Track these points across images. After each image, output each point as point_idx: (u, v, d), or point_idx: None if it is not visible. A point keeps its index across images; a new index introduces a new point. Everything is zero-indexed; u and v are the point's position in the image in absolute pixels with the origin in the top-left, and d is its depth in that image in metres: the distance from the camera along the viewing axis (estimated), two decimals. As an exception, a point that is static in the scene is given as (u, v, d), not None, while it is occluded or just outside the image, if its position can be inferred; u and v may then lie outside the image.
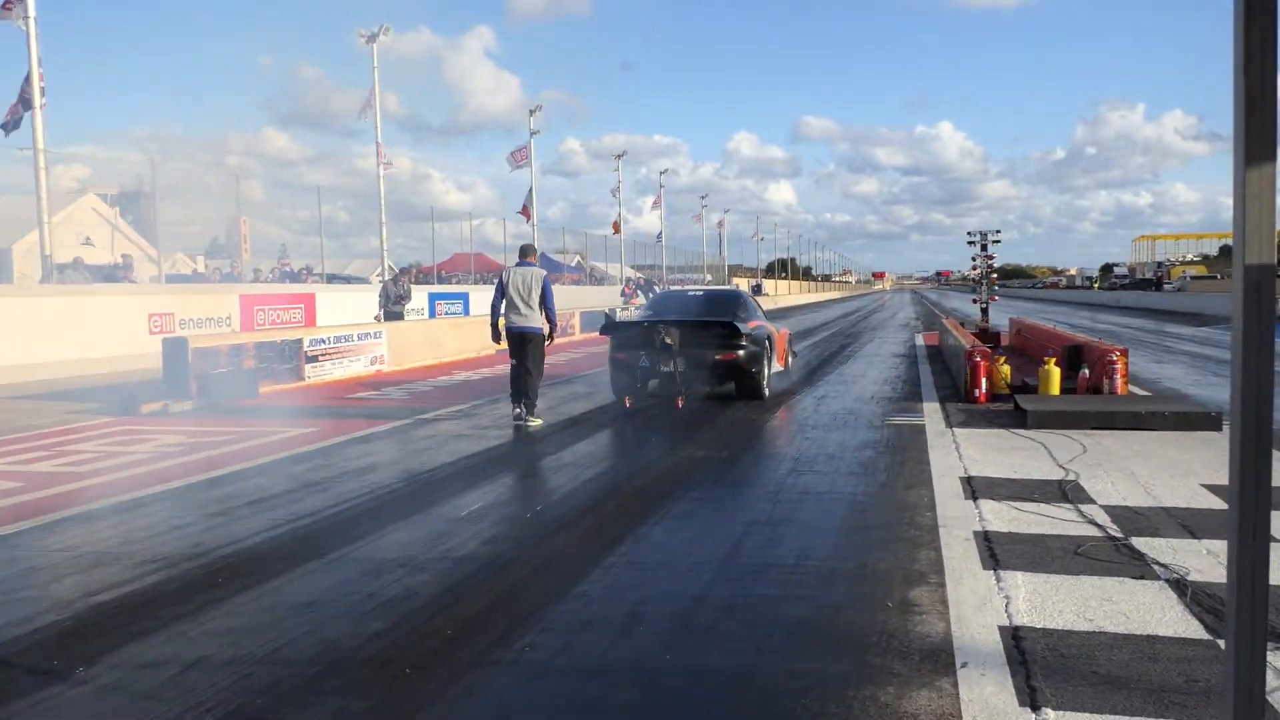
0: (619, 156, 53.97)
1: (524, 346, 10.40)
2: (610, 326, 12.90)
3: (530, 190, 40.19)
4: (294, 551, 5.54)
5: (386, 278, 20.88)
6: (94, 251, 23.87)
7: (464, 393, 13.80)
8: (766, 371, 12.44)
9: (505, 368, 11.64)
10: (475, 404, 12.45)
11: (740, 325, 11.87)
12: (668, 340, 11.36)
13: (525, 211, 40.25)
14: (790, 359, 15.46)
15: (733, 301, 13.49)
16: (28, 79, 17.83)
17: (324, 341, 15.53)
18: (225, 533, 5.97)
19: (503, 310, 10.56)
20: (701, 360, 11.69)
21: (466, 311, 30.11)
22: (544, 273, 10.69)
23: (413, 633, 4.23)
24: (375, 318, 20.17)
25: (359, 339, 16.49)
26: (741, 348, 11.82)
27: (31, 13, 17.72)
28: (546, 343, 10.62)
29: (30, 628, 4.32)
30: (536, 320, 10.40)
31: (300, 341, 14.98)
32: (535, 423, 10.27)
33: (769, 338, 12.91)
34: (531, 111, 40.21)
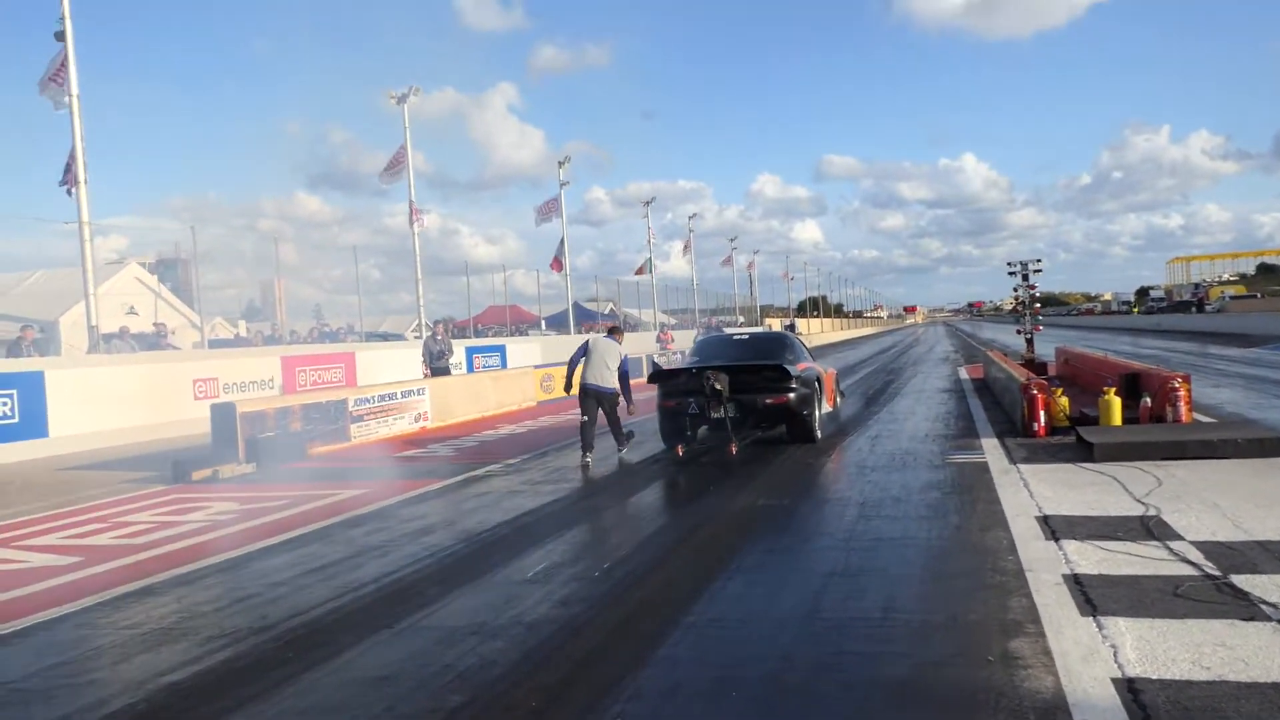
0: (648, 203, 54.19)
1: (600, 403, 11.81)
2: (658, 374, 12.64)
3: (562, 241, 40.36)
4: (361, 621, 5.41)
5: (425, 334, 20.87)
6: (138, 320, 24.12)
7: (512, 447, 13.69)
8: (817, 413, 12.28)
9: (548, 420, 13.61)
10: (525, 458, 12.32)
11: (789, 368, 11.77)
12: (717, 386, 11.14)
13: (556, 264, 40.39)
14: (839, 399, 15.08)
15: (780, 344, 13.35)
16: (72, 155, 18.10)
17: (369, 401, 15.51)
18: (289, 604, 5.85)
19: (582, 369, 12.04)
20: (752, 405, 11.50)
21: (504, 364, 30.11)
22: (625, 350, 12.25)
23: (494, 705, 4.07)
24: (424, 375, 20.19)
25: (402, 396, 16.46)
26: (792, 390, 11.63)
27: (74, 90, 18.04)
28: (621, 405, 11.92)
29: (104, 712, 4.21)
30: (612, 382, 11.85)
31: (345, 402, 14.97)
32: (624, 450, 11.94)
33: (818, 379, 12.73)
34: (560, 163, 40.46)
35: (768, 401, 11.52)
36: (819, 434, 12.16)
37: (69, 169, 18.12)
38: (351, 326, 28.30)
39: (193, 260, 22.54)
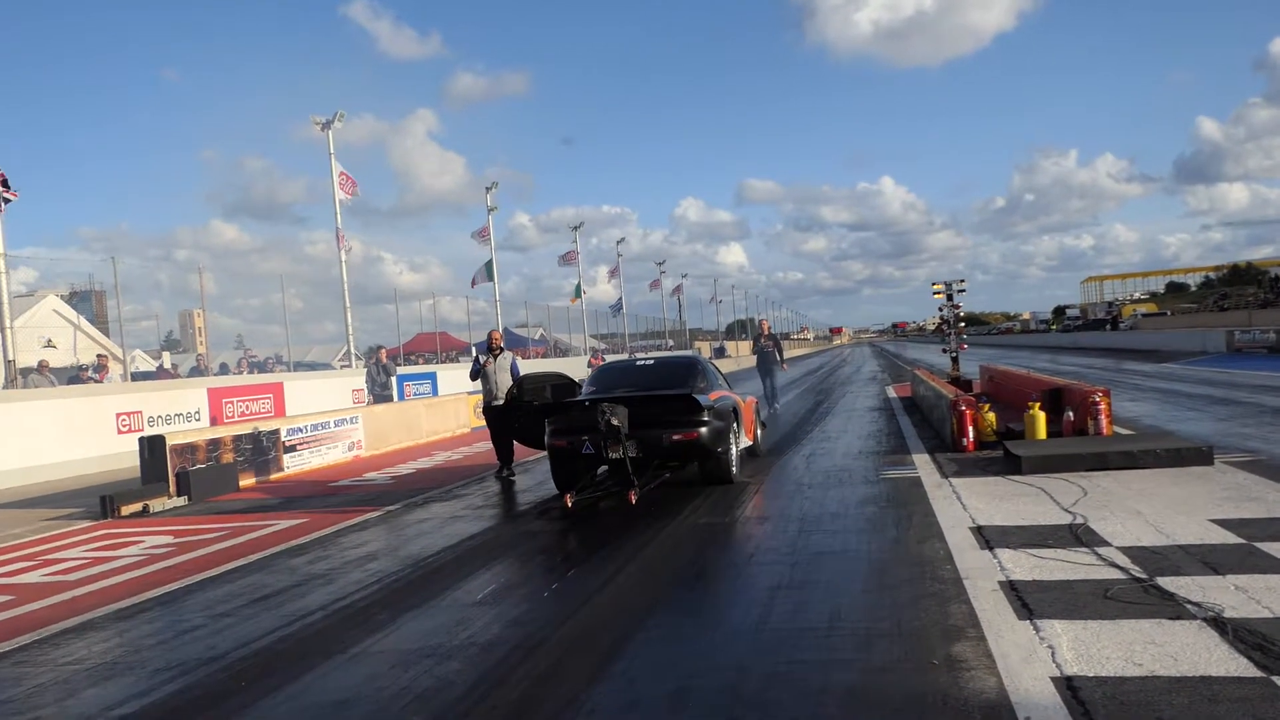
0: (576, 228, 54.28)
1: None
2: (546, 408, 10.75)
3: (489, 264, 40.27)
4: (313, 648, 5.39)
5: (370, 361, 20.93)
6: (57, 354, 23.51)
7: (450, 473, 13.64)
8: (734, 449, 10.77)
9: (483, 446, 13.35)
10: (463, 484, 12.30)
11: (699, 397, 10.20)
12: (614, 421, 9.48)
13: (474, 282, 40.35)
14: (760, 430, 13.46)
15: (689, 370, 11.55)
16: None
17: (301, 430, 15.32)
18: (237, 634, 5.80)
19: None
20: (656, 442, 9.86)
21: (435, 391, 29.89)
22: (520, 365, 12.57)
23: (456, 725, 4.10)
24: (369, 402, 20.33)
25: (335, 425, 16.29)
26: (703, 424, 9.99)
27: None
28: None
29: (54, 748, 4.14)
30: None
31: (278, 432, 14.76)
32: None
33: (734, 409, 11.14)
34: (488, 189, 40.46)
35: (674, 437, 9.88)
36: (736, 472, 10.68)
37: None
38: (279, 356, 27.91)
39: (113, 291, 22.03)
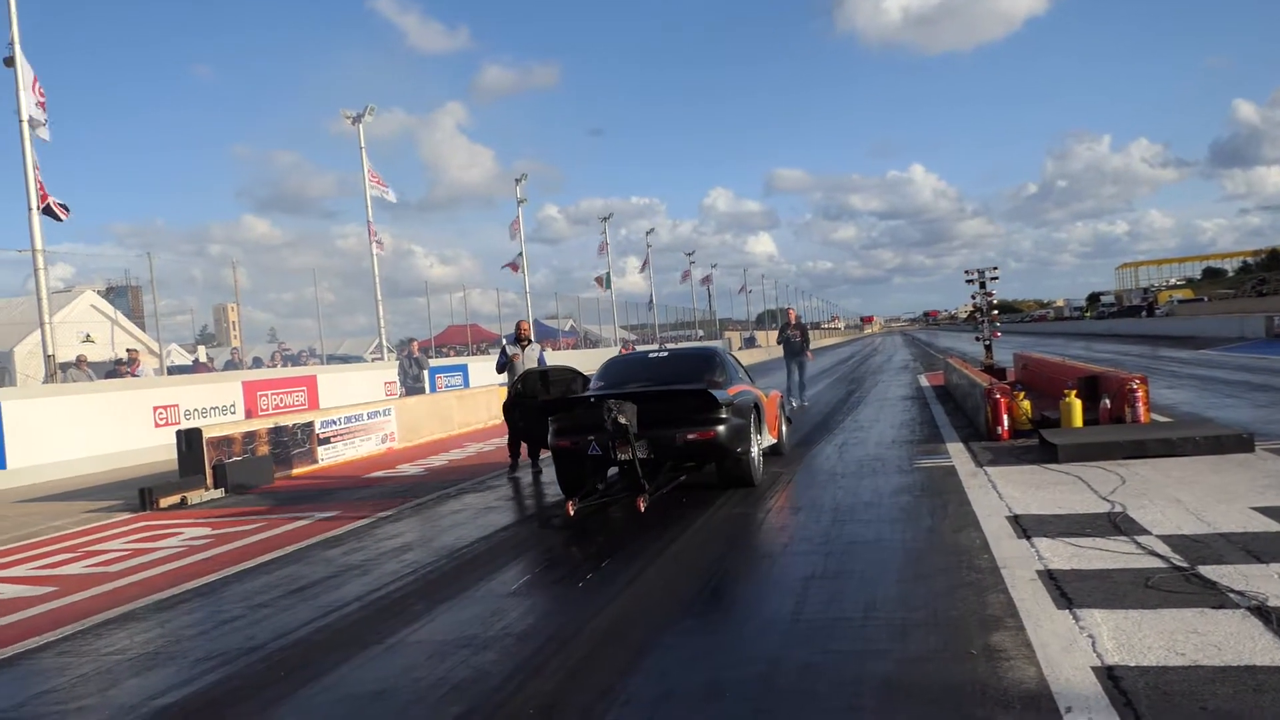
0: (605, 219, 54.32)
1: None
2: (550, 404, 9.88)
3: (520, 254, 40.52)
4: (350, 639, 5.43)
5: (402, 354, 21.06)
6: (95, 348, 23.83)
7: (483, 464, 13.69)
8: (755, 449, 9.90)
9: None
10: (496, 475, 12.34)
11: (716, 393, 9.22)
12: (621, 420, 8.65)
13: (514, 265, 40.61)
14: (785, 427, 12.48)
15: (705, 363, 10.71)
16: (27, 181, 17.87)
17: (335, 423, 15.44)
18: (275, 624, 5.85)
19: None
20: (669, 442, 9.04)
21: (466, 383, 30.05)
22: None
23: (494, 716, 4.12)
24: (401, 394, 20.50)
25: (369, 417, 16.40)
26: (720, 422, 9.15)
27: (24, 115, 17.82)
28: None
29: (98, 737, 4.20)
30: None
31: (312, 424, 14.89)
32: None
33: (756, 405, 10.31)
34: (517, 180, 40.62)
35: (689, 437, 9.05)
36: (759, 476, 9.85)
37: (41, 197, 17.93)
38: (312, 349, 28.15)
39: (150, 286, 22.30)
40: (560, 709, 4.13)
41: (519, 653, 4.93)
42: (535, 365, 12.71)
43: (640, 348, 38.92)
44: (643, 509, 8.39)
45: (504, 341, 14.83)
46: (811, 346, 20.82)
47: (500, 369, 13.47)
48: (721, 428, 9.16)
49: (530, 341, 13.31)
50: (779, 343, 20.78)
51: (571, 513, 8.62)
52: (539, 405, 9.95)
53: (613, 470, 10.22)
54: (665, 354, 11.78)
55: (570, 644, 5.04)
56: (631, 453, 8.81)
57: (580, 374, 11.34)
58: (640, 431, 8.81)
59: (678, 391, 9.39)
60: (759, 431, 10.28)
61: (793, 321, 20.74)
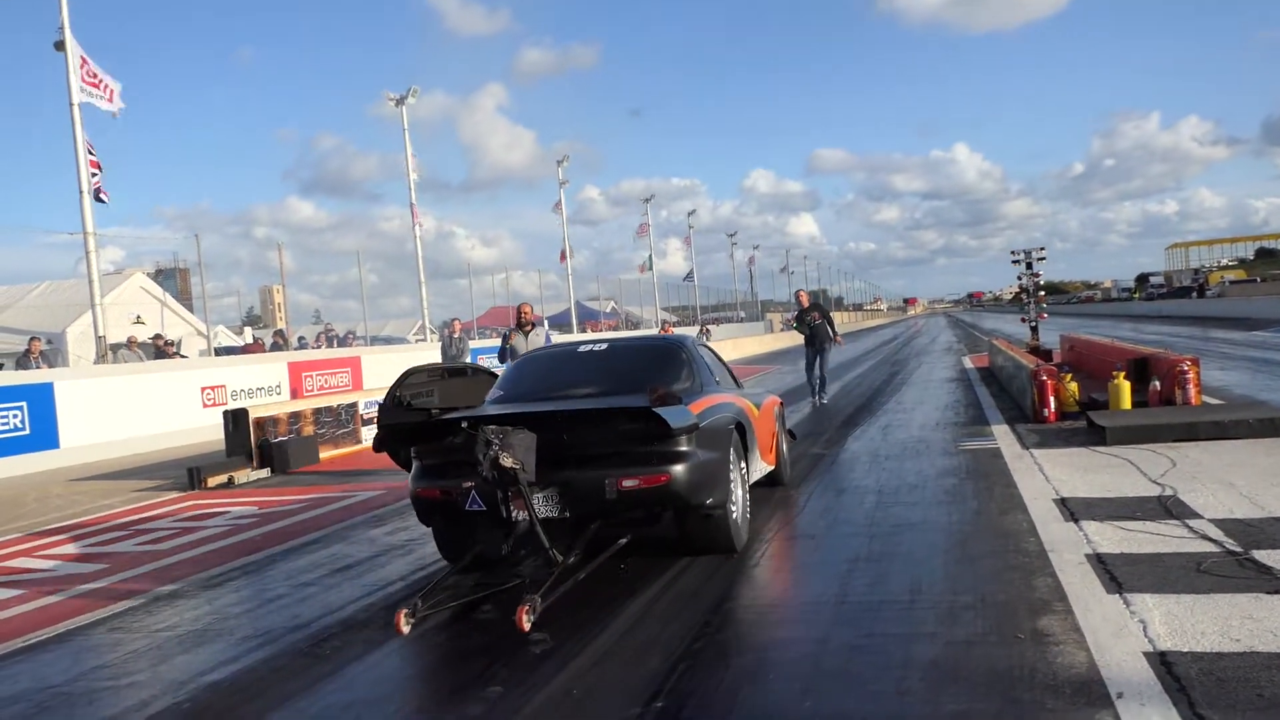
0: (648, 200, 54.26)
1: None
2: (414, 430, 6.39)
3: (565, 238, 40.81)
4: (393, 618, 5.46)
5: (444, 335, 21.08)
6: (145, 330, 24.20)
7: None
8: (739, 492, 6.49)
9: None
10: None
11: (670, 412, 5.58)
12: (505, 461, 5.27)
13: (563, 255, 41.16)
14: (787, 445, 8.95)
15: (661, 361, 7.10)
16: (78, 164, 18.14)
17: (379, 403, 15.52)
18: (320, 603, 5.91)
19: None
20: (591, 493, 5.63)
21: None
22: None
23: (536, 686, 4.12)
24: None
25: (412, 398, 16.48)
26: (678, 458, 5.70)
27: (75, 99, 18.06)
28: None
29: (149, 712, 4.26)
30: None
31: (356, 404, 15.03)
32: None
33: (738, 424, 6.80)
34: (559, 162, 40.67)
35: (626, 484, 5.59)
36: (740, 537, 6.33)
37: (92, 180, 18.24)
38: (356, 331, 28.41)
39: (197, 268, 22.60)
40: (607, 689, 4.12)
41: (566, 630, 4.93)
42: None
43: (678, 330, 38.69)
44: (524, 626, 4.73)
45: (509, 329, 13.10)
46: (840, 332, 17.09)
47: (502, 358, 11.97)
48: (679, 467, 5.67)
49: (533, 325, 12.08)
50: (796, 329, 16.88)
51: (403, 629, 5.02)
52: (400, 430, 6.43)
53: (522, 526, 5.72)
54: (604, 347, 7.62)
55: (614, 621, 5.02)
56: (529, 511, 5.44)
57: (480, 369, 8.44)
58: (545, 476, 5.52)
59: (607, 411, 5.95)
60: (745, 459, 6.91)
61: (805, 304, 16.66)
